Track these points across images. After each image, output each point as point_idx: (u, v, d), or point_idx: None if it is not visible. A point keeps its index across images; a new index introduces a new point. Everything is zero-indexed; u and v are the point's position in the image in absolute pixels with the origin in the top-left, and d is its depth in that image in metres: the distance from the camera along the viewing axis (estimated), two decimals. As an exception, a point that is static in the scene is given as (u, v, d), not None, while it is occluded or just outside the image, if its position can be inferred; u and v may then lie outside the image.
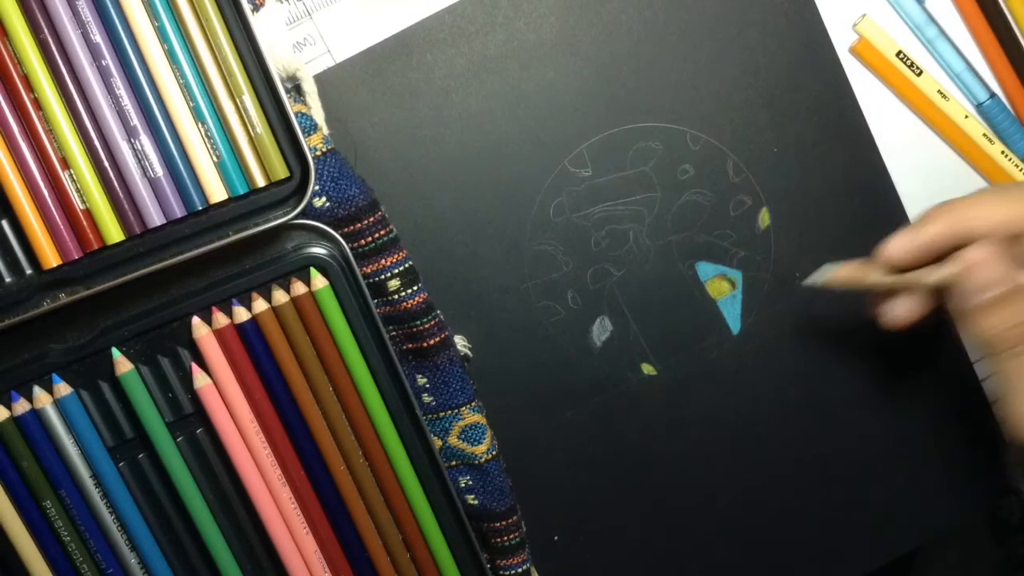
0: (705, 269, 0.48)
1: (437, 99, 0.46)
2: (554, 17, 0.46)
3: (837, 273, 0.43)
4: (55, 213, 0.40)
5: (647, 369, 0.49)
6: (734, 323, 0.49)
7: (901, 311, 0.40)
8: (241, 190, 0.41)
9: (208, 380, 0.42)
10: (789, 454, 0.50)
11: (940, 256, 0.38)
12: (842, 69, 0.48)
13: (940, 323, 0.42)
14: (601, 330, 0.48)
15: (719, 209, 0.48)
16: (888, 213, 0.49)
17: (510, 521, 0.46)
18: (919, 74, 0.48)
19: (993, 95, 0.49)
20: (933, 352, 0.49)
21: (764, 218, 0.48)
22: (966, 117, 0.48)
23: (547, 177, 0.47)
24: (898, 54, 0.48)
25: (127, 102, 0.40)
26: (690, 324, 0.49)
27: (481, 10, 0.46)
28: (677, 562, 0.50)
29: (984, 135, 0.49)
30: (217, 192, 0.41)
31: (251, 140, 0.41)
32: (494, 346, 0.47)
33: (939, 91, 0.48)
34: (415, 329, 0.44)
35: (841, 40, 0.48)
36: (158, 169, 0.40)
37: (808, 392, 0.49)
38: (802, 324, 0.49)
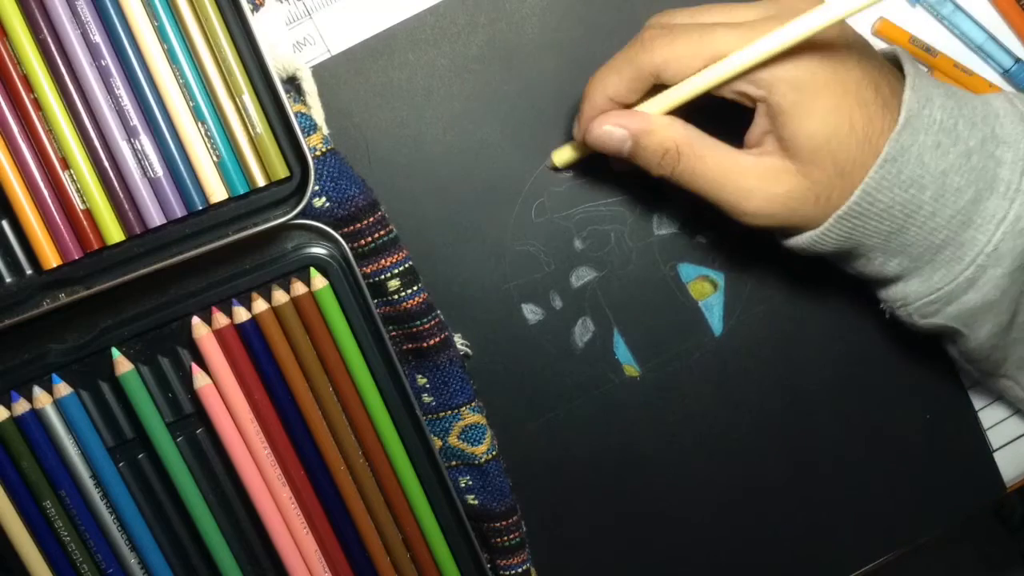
0: (687, 270, 0.48)
1: (419, 99, 0.46)
2: (536, 18, 0.46)
3: (561, 154, 0.46)
4: (55, 213, 0.40)
5: (629, 371, 0.49)
6: (716, 325, 0.49)
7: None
8: (241, 190, 0.41)
9: (208, 380, 0.42)
10: (772, 455, 0.50)
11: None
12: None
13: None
14: (583, 331, 0.48)
15: (701, 210, 0.48)
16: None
17: (510, 521, 0.46)
18: (935, 57, 0.48)
19: (1019, 60, 0.48)
20: (918, 353, 0.50)
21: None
22: (990, 87, 0.49)
23: (529, 177, 0.47)
24: (912, 40, 0.48)
25: (127, 102, 0.40)
26: (672, 326, 0.49)
27: (463, 11, 0.46)
28: (660, 562, 0.50)
29: None
30: (217, 192, 0.41)
31: (251, 140, 0.41)
32: (475, 347, 0.47)
33: (956, 66, 0.48)
34: (415, 329, 0.44)
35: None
36: (158, 169, 0.40)
37: (790, 393, 0.50)
38: (784, 325, 0.49)
